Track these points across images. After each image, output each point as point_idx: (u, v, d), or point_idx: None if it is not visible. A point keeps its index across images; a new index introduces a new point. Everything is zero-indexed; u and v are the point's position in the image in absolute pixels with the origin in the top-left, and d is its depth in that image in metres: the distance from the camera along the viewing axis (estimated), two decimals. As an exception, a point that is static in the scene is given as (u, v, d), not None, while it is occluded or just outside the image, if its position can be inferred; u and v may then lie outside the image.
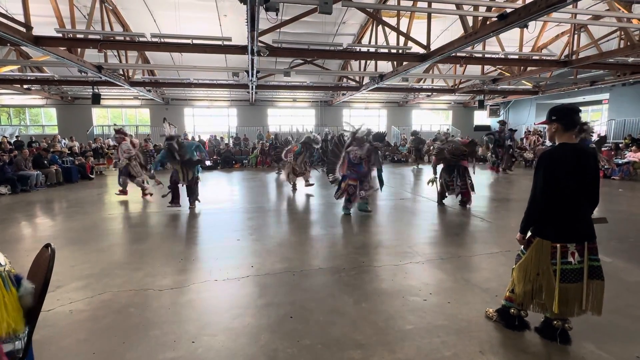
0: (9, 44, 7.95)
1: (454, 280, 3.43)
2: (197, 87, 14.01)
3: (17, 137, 15.20)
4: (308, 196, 8.22)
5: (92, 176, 11.78)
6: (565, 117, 2.25)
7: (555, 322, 2.36)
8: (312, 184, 9.07)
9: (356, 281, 3.44)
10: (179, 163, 6.39)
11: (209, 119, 19.57)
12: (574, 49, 9.38)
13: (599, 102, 15.76)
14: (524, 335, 2.49)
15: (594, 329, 2.52)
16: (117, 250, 4.48)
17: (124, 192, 7.90)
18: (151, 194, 7.81)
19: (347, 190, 6.09)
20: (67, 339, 2.49)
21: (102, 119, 19.13)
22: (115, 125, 5.88)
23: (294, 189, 8.90)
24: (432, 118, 22.14)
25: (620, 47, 8.91)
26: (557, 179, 2.19)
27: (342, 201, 6.27)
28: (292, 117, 20.15)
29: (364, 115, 20.51)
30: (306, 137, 8.72)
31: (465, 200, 6.67)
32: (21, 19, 6.49)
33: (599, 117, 16.21)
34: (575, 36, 9.39)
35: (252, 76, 10.32)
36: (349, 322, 2.69)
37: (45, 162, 10.14)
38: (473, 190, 6.72)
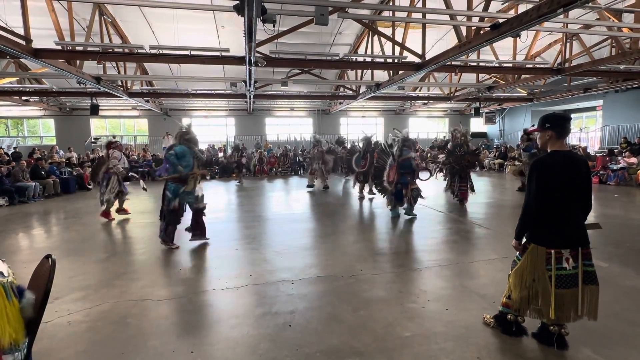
0: (8, 57, 8.00)
1: (452, 287, 3.45)
2: (195, 98, 14.08)
3: (15, 148, 15.20)
4: (306, 203, 8.24)
5: (89, 187, 11.75)
6: (559, 125, 2.30)
7: (552, 327, 2.38)
8: (373, 196, 8.76)
9: (354, 289, 3.45)
10: (197, 163, 4.94)
11: (207, 129, 19.64)
12: (567, 57, 9.53)
13: (593, 109, 15.91)
14: (522, 341, 2.50)
15: (591, 333, 2.53)
16: (115, 260, 4.47)
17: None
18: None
19: (411, 196, 6.28)
20: (66, 351, 2.49)
21: (100, 129, 19.17)
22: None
23: (363, 197, 8.75)
24: (429, 125, 22.34)
25: (612, 54, 9.06)
26: (550, 185, 2.23)
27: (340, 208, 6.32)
28: (289, 125, 20.26)
29: (361, 123, 20.64)
30: (365, 141, 8.54)
31: (462, 199, 7.55)
32: (21, 32, 6.56)
33: (594, 124, 16.38)
34: (568, 44, 9.54)
35: (250, 86, 10.41)
36: (347, 330, 2.70)
37: (43, 173, 10.15)
38: (473, 191, 7.65)
